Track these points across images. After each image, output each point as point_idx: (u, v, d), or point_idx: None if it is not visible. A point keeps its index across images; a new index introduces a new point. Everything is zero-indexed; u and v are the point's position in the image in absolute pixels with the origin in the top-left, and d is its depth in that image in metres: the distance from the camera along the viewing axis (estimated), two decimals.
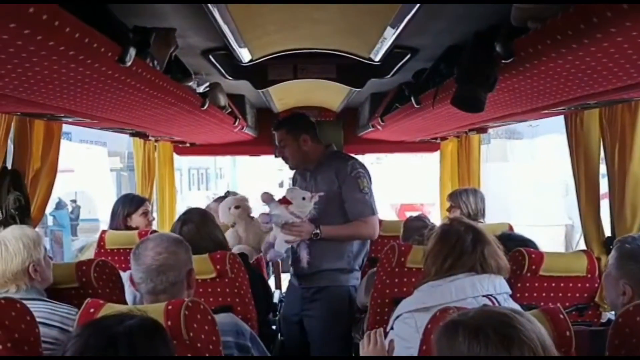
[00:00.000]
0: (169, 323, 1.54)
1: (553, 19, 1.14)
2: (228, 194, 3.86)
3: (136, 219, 3.17)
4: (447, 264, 1.73)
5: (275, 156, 2.94)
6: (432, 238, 1.80)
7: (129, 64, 1.34)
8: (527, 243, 2.49)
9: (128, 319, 1.18)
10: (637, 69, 1.24)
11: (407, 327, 1.69)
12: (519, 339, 1.05)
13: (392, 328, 1.78)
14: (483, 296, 1.67)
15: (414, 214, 3.15)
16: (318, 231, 2.63)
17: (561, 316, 1.48)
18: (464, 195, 3.43)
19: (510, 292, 1.74)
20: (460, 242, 1.74)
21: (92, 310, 1.58)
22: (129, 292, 2.39)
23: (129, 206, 3.20)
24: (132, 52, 1.34)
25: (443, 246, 1.75)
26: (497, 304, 1.66)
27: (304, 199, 2.55)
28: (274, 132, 2.87)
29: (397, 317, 1.75)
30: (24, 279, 1.87)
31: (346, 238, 2.77)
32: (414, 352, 1.56)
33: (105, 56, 1.26)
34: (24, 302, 1.74)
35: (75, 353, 1.11)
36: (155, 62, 1.73)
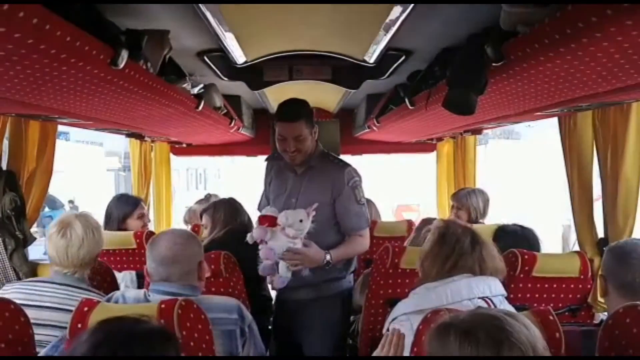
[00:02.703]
0: (162, 321, 1.55)
1: (541, 23, 1.15)
2: (209, 196, 3.88)
3: (132, 223, 3.11)
4: (448, 265, 1.73)
5: (288, 151, 2.38)
6: (430, 240, 1.80)
7: (121, 66, 1.34)
8: (525, 231, 2.50)
9: (144, 322, 1.20)
10: (624, 72, 1.25)
11: (402, 330, 1.69)
12: (509, 342, 1.06)
13: (387, 330, 1.79)
14: (479, 298, 1.67)
15: (411, 214, 3.15)
16: (329, 258, 2.34)
17: (551, 318, 1.49)
18: (472, 198, 3.36)
19: (505, 294, 1.74)
20: (460, 243, 1.74)
21: (85, 309, 1.59)
22: None
23: (124, 208, 3.12)
24: (125, 54, 1.35)
25: (442, 247, 1.75)
26: (492, 306, 1.66)
27: (301, 221, 2.23)
28: (288, 122, 2.35)
29: (393, 319, 1.76)
30: (88, 266, 1.94)
31: (350, 257, 2.54)
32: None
33: (97, 59, 1.27)
34: (75, 289, 1.87)
35: (91, 346, 1.12)
36: (149, 64, 1.74)
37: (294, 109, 2.37)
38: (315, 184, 2.44)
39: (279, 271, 2.28)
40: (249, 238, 2.28)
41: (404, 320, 1.71)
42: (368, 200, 3.81)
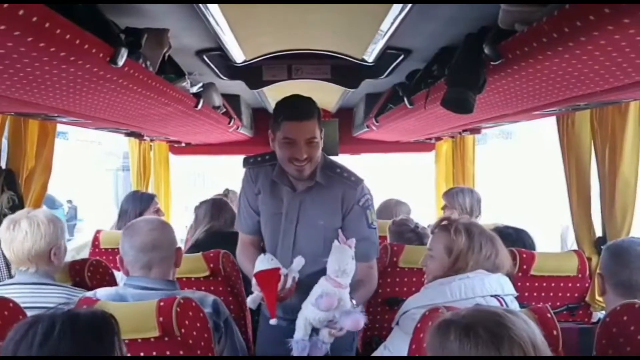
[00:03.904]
0: (161, 319, 1.56)
1: (539, 22, 1.16)
2: (228, 192, 3.87)
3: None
4: (490, 264, 1.75)
5: (298, 159, 1.87)
6: (461, 238, 1.77)
7: (120, 64, 1.34)
8: (520, 234, 2.50)
9: (81, 311, 1.17)
10: (622, 71, 1.25)
11: (412, 323, 1.69)
12: (509, 338, 1.06)
13: (397, 323, 1.80)
14: (491, 296, 1.69)
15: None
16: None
17: (549, 315, 1.49)
18: (459, 196, 3.40)
19: (515, 294, 1.76)
20: (488, 240, 1.78)
21: (84, 307, 1.59)
22: None
23: (140, 205, 3.21)
24: (124, 52, 1.35)
25: (476, 244, 1.76)
26: (504, 305, 1.69)
27: (353, 258, 1.77)
28: (300, 121, 1.86)
29: (404, 313, 1.77)
30: (44, 260, 1.91)
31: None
32: None
33: (97, 57, 1.27)
34: (41, 286, 1.85)
35: (14, 343, 1.08)
36: (148, 63, 1.74)
37: (306, 104, 1.90)
38: (320, 204, 1.96)
39: (322, 340, 1.75)
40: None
41: (415, 314, 1.71)
42: (400, 202, 3.75)
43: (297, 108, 1.88)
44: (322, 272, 1.79)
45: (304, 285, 1.80)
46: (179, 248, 1.88)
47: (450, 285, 1.70)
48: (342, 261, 1.70)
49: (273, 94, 3.50)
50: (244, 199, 2.07)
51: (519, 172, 12.87)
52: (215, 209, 2.89)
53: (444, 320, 1.13)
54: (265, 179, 2.02)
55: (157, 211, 3.25)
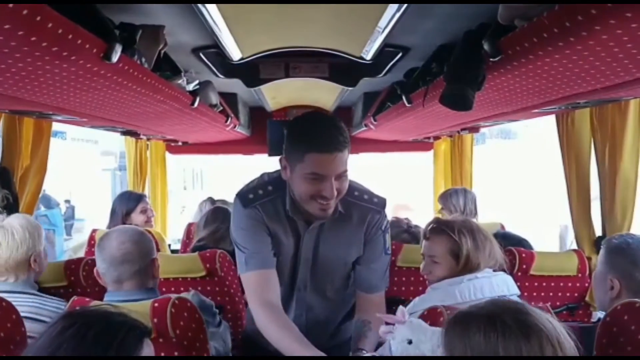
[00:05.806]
0: (155, 320, 1.54)
1: (539, 17, 1.14)
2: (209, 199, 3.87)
3: (135, 217, 3.18)
4: (492, 260, 1.75)
5: (326, 198, 1.52)
6: (472, 233, 1.77)
7: (114, 60, 1.32)
8: (522, 242, 2.49)
9: (119, 314, 1.12)
10: (623, 68, 1.23)
11: None
12: (537, 327, 1.00)
13: None
14: (499, 297, 1.68)
15: (408, 213, 3.12)
16: None
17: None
18: (453, 197, 3.40)
19: (519, 293, 1.74)
20: (488, 237, 1.77)
21: (77, 308, 1.57)
22: None
23: (127, 204, 3.21)
24: (118, 48, 1.33)
25: (481, 241, 1.76)
26: None
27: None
28: (332, 153, 1.48)
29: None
30: (23, 269, 1.88)
31: None
32: None
33: (90, 53, 1.25)
34: (16, 295, 1.79)
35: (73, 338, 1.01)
36: (143, 60, 1.72)
37: (336, 131, 1.50)
38: (337, 236, 1.67)
39: None
40: None
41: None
42: None
43: (328, 137, 1.49)
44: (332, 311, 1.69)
45: (319, 324, 1.73)
46: (155, 259, 1.79)
47: (459, 286, 1.69)
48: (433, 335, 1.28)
49: (270, 93, 3.48)
50: (255, 239, 1.64)
51: (518, 171, 12.90)
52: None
53: (461, 313, 1.07)
54: (277, 216, 1.64)
55: (145, 211, 3.24)
